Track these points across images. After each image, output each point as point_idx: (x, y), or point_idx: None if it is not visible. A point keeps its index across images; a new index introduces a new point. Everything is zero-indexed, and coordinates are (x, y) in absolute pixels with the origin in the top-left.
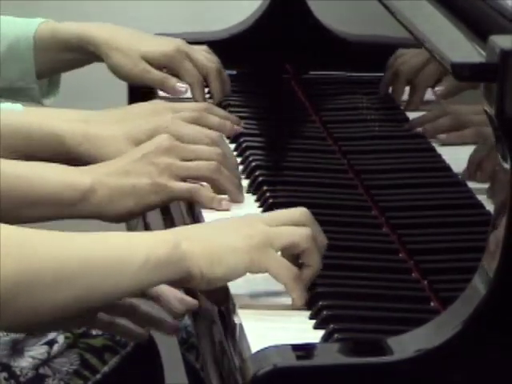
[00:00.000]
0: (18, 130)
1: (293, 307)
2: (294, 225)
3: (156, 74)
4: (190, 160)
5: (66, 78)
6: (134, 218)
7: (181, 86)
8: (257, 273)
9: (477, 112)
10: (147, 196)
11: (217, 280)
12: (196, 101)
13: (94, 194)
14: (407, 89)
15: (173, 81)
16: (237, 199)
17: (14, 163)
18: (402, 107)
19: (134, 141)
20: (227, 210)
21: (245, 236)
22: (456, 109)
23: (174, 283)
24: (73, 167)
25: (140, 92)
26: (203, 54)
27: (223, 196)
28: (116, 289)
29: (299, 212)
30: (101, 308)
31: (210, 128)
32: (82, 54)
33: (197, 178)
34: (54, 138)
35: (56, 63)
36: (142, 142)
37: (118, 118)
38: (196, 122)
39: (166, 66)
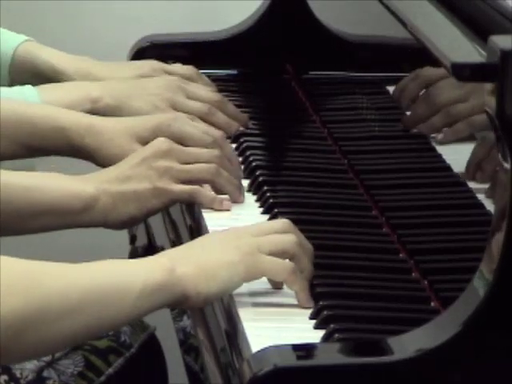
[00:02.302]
0: (22, 121)
1: (299, 302)
2: (278, 233)
3: None
4: (189, 163)
5: None
6: (137, 223)
7: None
8: (254, 279)
9: (465, 98)
10: (149, 201)
11: (214, 296)
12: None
13: (97, 202)
14: None
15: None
16: (237, 200)
17: (19, 174)
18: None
19: (136, 137)
20: (228, 210)
21: (234, 247)
22: (444, 99)
23: (171, 306)
24: (74, 176)
25: None
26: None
27: (224, 196)
28: (117, 317)
29: (282, 222)
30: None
31: (215, 125)
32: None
33: (197, 181)
34: (57, 130)
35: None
36: (144, 138)
37: (135, 87)
38: (203, 116)
39: None
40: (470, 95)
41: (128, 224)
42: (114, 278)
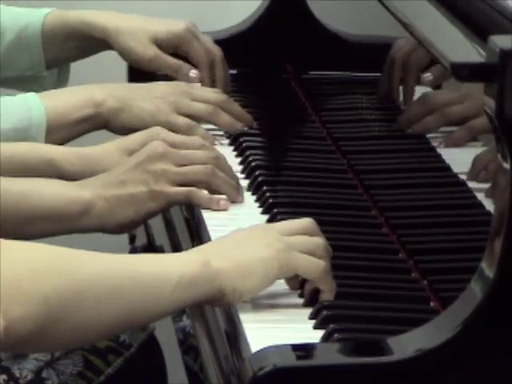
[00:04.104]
0: (12, 159)
1: (322, 300)
2: (304, 234)
3: (170, 60)
4: (185, 165)
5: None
6: (135, 227)
7: (194, 72)
8: (286, 276)
9: (460, 100)
10: (145, 204)
11: (249, 292)
12: (202, 82)
13: (94, 208)
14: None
15: (186, 68)
16: (235, 200)
17: (16, 180)
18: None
19: (127, 152)
20: (225, 209)
21: (267, 244)
22: (439, 100)
23: (207, 302)
24: (71, 182)
25: (140, 77)
26: (209, 40)
27: (221, 196)
28: (156, 306)
29: (307, 222)
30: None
31: (219, 125)
32: (89, 41)
33: (193, 183)
34: (47, 163)
35: (64, 52)
36: (134, 151)
37: (140, 90)
38: (207, 117)
39: (177, 45)
40: (466, 97)
41: (127, 228)
42: (152, 267)
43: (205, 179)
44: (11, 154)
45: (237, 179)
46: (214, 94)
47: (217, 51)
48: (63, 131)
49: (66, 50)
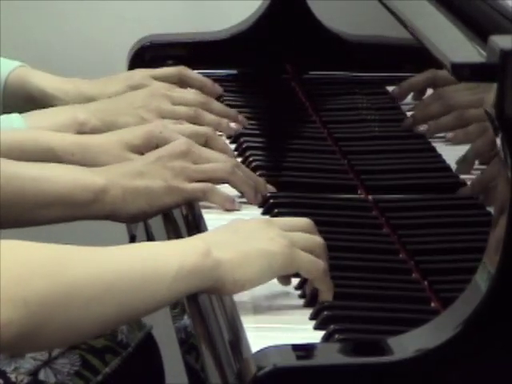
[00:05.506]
0: (11, 147)
1: (321, 300)
2: (302, 232)
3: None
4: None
5: None
6: (147, 218)
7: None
8: (286, 273)
9: (479, 103)
10: (160, 198)
11: (250, 284)
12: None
13: (106, 195)
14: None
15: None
16: (253, 200)
17: (27, 165)
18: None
19: (128, 146)
20: (238, 210)
21: (270, 238)
22: (458, 102)
23: (207, 291)
24: (86, 167)
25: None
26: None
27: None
28: (153, 300)
29: (306, 221)
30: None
31: (206, 125)
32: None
33: (212, 180)
34: (46, 151)
35: (24, 111)
36: (136, 146)
37: (120, 103)
38: (191, 120)
39: None
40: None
41: (138, 218)
42: (149, 260)
43: (224, 176)
44: (10, 141)
45: (257, 180)
46: (193, 95)
47: (200, 99)
48: None
49: (25, 110)
